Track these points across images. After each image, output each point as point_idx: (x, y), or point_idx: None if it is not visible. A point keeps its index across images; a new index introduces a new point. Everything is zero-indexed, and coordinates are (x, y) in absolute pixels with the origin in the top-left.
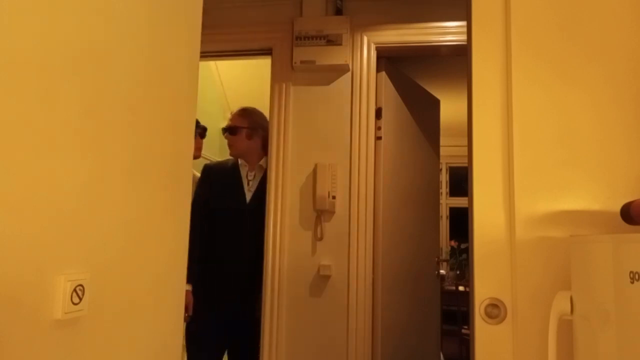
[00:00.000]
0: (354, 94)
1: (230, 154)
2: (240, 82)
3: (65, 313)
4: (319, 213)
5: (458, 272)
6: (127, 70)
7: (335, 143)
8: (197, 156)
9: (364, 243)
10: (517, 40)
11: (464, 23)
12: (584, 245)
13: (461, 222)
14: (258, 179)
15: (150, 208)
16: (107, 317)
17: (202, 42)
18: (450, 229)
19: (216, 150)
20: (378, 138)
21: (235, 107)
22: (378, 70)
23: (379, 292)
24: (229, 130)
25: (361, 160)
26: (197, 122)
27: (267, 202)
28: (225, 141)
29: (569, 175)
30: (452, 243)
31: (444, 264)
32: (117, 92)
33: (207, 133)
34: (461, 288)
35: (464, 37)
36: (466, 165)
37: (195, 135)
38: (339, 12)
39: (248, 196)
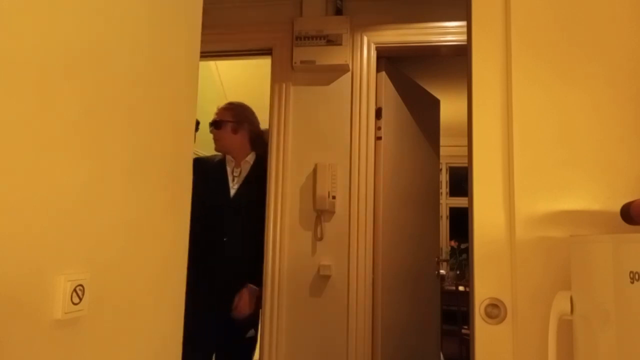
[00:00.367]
0: (354, 94)
1: (215, 149)
2: (240, 82)
3: (65, 313)
4: (319, 213)
5: (458, 272)
6: (127, 71)
7: (335, 143)
8: None
9: (364, 243)
10: (517, 40)
11: (464, 23)
12: (584, 245)
13: (461, 222)
14: (244, 174)
15: (150, 208)
16: (107, 317)
17: (202, 42)
18: (450, 229)
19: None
20: (378, 138)
21: None
22: (378, 70)
23: (379, 292)
24: (214, 124)
25: (361, 160)
26: None
27: (267, 202)
28: None
29: (569, 175)
30: (452, 243)
31: (444, 264)
32: (117, 92)
33: (206, 132)
34: (461, 288)
35: (464, 37)
36: (466, 165)
37: None
38: (339, 12)
39: (232, 192)
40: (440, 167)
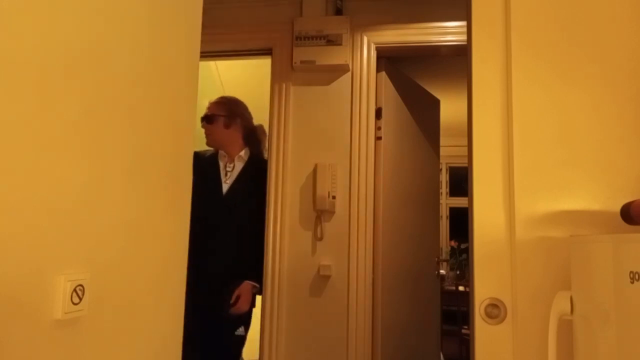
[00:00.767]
0: (354, 94)
1: (207, 144)
2: (240, 82)
3: (65, 313)
4: (319, 213)
5: (458, 272)
6: (127, 71)
7: (335, 143)
8: None
9: (364, 243)
10: (517, 40)
11: (464, 23)
12: (584, 245)
13: (461, 222)
14: (237, 171)
15: (150, 208)
16: (107, 317)
17: (202, 42)
18: (450, 229)
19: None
20: (378, 138)
21: None
22: (378, 70)
23: (379, 292)
24: (206, 119)
25: (361, 160)
26: None
27: (267, 202)
28: None
29: (569, 175)
30: (452, 243)
31: (444, 264)
32: (117, 92)
33: (196, 128)
34: (461, 288)
35: (464, 37)
36: (466, 165)
37: None
38: (339, 12)
39: (225, 189)
40: (440, 167)
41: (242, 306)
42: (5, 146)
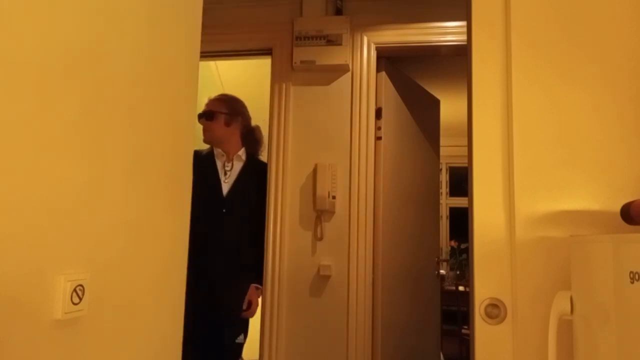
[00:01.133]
0: (354, 94)
1: (205, 140)
2: (240, 82)
3: (65, 313)
4: (319, 213)
5: (458, 272)
6: (127, 71)
7: (335, 143)
8: None
9: (364, 243)
10: (517, 40)
11: (464, 23)
12: (584, 245)
13: (461, 222)
14: (237, 170)
15: (150, 208)
16: (107, 317)
17: (202, 42)
18: (450, 229)
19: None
20: (378, 138)
21: None
22: (378, 70)
23: (379, 292)
24: (206, 115)
25: (361, 160)
26: None
27: (267, 202)
28: None
29: (569, 175)
30: (452, 243)
31: (444, 264)
32: (117, 92)
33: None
34: (461, 288)
35: (464, 37)
36: (466, 165)
37: None
38: (339, 12)
39: (225, 188)
40: (440, 167)
41: (253, 311)
42: (5, 146)
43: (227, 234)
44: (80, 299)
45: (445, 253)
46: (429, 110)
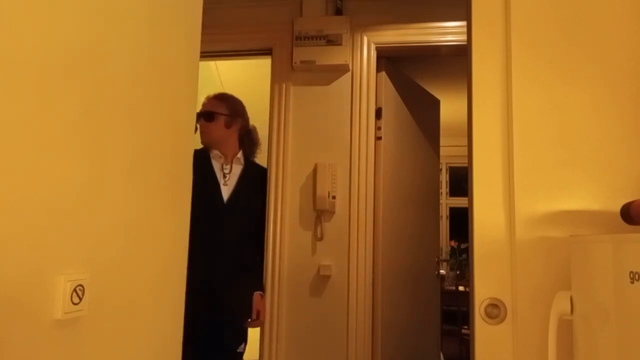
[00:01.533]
0: (354, 94)
1: (202, 142)
2: (240, 82)
3: (65, 313)
4: (319, 213)
5: (458, 272)
6: (127, 71)
7: (335, 143)
8: None
9: (364, 243)
10: (517, 40)
11: (464, 23)
12: (584, 245)
13: (461, 222)
14: (237, 174)
15: (150, 208)
16: (107, 317)
17: (202, 42)
18: (450, 229)
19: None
20: (378, 138)
21: None
22: (378, 70)
23: (379, 292)
24: (206, 116)
25: (361, 160)
26: None
27: (267, 202)
28: None
29: (569, 175)
30: (452, 243)
31: (444, 264)
32: (117, 92)
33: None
34: (461, 288)
35: (464, 37)
36: (466, 165)
37: None
38: (339, 12)
39: (225, 193)
40: (440, 167)
41: (263, 320)
42: (5, 146)
43: (227, 239)
44: (80, 299)
45: (445, 253)
46: (429, 110)
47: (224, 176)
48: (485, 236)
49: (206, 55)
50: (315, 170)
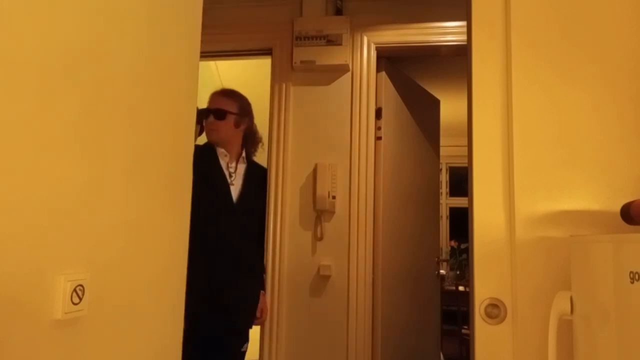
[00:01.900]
0: (354, 94)
1: (210, 139)
2: (240, 82)
3: (65, 313)
4: (319, 213)
5: (458, 272)
6: (127, 71)
7: (335, 143)
8: None
9: (364, 243)
10: (517, 40)
11: (464, 23)
12: (584, 245)
13: (461, 222)
14: (241, 174)
15: (150, 208)
16: (107, 317)
17: (202, 42)
18: (450, 229)
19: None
20: (378, 138)
21: None
22: (378, 70)
23: (379, 292)
24: (217, 114)
25: (361, 160)
26: None
27: (267, 202)
28: None
29: (569, 175)
30: (452, 243)
31: (444, 264)
32: (117, 92)
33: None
34: (461, 288)
35: (464, 37)
36: (466, 165)
37: None
38: (339, 12)
39: (234, 193)
40: (440, 167)
41: (264, 319)
42: (5, 146)
43: (238, 239)
44: (80, 299)
45: (445, 253)
46: (429, 110)
47: (230, 175)
48: (485, 236)
49: (206, 55)
50: (315, 170)
